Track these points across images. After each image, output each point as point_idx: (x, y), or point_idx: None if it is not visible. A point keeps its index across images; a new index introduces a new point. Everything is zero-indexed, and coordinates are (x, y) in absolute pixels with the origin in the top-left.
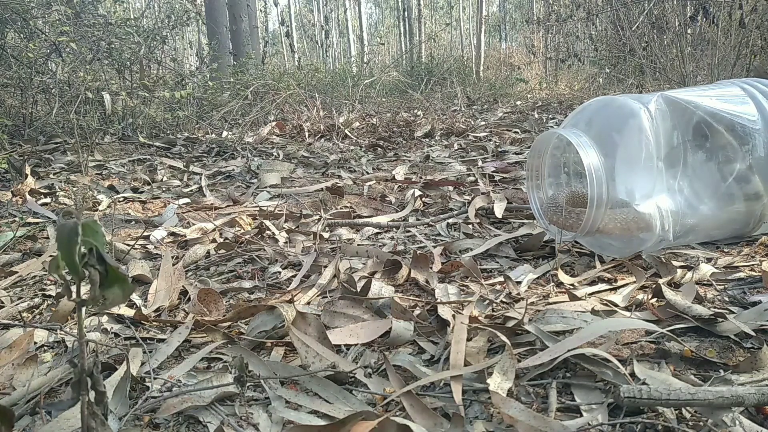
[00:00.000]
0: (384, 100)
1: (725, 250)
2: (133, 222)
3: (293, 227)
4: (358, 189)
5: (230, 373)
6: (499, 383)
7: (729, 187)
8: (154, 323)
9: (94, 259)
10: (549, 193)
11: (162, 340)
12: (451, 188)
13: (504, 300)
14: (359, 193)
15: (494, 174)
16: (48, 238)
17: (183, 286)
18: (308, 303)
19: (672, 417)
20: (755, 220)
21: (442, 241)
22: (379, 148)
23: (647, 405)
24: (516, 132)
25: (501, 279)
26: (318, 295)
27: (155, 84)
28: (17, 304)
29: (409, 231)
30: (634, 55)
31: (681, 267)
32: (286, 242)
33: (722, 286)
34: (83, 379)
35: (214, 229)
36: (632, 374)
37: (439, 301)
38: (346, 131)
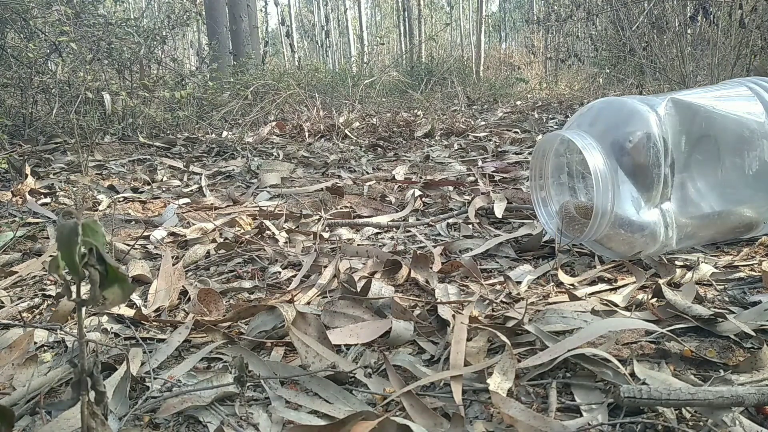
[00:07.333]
0: (384, 100)
1: (725, 250)
2: (133, 222)
3: (293, 227)
4: (358, 189)
5: (230, 373)
6: (499, 383)
7: (737, 192)
8: (154, 323)
9: (94, 259)
10: (552, 193)
11: (162, 340)
12: (451, 188)
13: (504, 300)
14: (359, 193)
15: (494, 174)
16: (48, 238)
17: (183, 286)
18: (308, 303)
19: (672, 417)
20: (760, 223)
21: (442, 241)
22: (379, 148)
23: (647, 405)
24: (516, 132)
25: (501, 279)
26: (318, 295)
27: (155, 84)
28: (17, 304)
29: (409, 231)
30: (634, 55)
31: (681, 267)
32: (286, 242)
33: (722, 286)
34: (83, 379)
35: (214, 229)
36: (632, 374)
37: (439, 301)
38: (346, 131)
